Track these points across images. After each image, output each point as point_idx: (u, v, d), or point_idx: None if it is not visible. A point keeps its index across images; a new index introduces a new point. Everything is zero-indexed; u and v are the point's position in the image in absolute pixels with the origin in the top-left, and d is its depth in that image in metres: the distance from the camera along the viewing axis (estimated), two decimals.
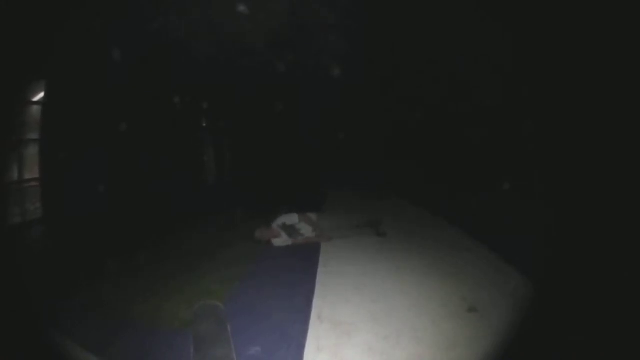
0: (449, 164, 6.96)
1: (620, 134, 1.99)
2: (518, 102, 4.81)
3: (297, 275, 2.59)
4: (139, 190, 4.80)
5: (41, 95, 3.82)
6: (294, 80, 6.73)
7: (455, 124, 6.68)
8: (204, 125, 7.41)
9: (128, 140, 4.67)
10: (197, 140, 7.36)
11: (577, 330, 1.44)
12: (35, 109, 3.85)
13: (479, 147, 6.04)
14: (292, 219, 3.39)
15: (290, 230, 3.34)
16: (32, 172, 3.76)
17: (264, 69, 6.03)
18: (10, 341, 1.48)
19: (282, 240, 3.34)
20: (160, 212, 4.77)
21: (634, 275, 1.53)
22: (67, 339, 1.79)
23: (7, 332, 1.51)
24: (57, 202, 3.76)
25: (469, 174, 6.34)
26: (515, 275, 2.43)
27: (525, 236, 3.26)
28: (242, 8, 4.47)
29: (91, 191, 4.00)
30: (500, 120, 5.48)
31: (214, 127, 7.67)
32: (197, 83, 6.06)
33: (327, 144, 9.96)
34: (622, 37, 1.80)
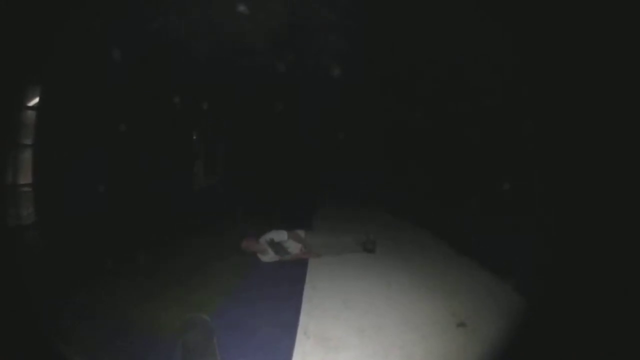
0: (449, 163, 6.96)
1: (621, 134, 1.99)
2: (518, 102, 4.81)
3: (284, 289, 2.58)
4: (139, 191, 4.79)
5: (41, 95, 3.82)
6: (294, 80, 6.73)
7: (455, 124, 6.67)
8: (204, 125, 7.40)
9: (128, 140, 4.67)
10: (197, 140, 7.36)
11: (577, 336, 1.44)
12: (37, 109, 3.85)
13: (479, 147, 6.03)
14: (280, 235, 3.35)
15: (277, 247, 3.30)
16: (33, 173, 3.75)
17: (264, 69, 6.02)
18: (10, 341, 1.48)
19: (269, 257, 3.30)
20: (160, 213, 4.77)
21: (634, 277, 1.52)
22: (65, 340, 1.80)
23: (7, 332, 1.51)
24: (57, 202, 3.75)
25: (469, 174, 6.34)
26: (506, 289, 2.43)
27: (525, 238, 3.27)
28: (242, 8, 4.47)
29: (91, 191, 4.00)
30: (500, 120, 5.48)
31: (214, 127, 7.67)
32: (197, 83, 6.06)
33: (327, 144, 9.96)
34: (622, 37, 1.80)
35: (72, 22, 3.42)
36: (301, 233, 3.44)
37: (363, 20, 5.16)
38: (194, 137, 7.34)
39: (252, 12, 4.54)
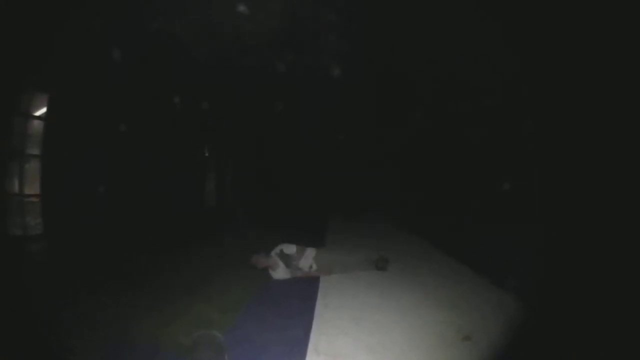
0: (448, 165, 6.97)
1: (620, 134, 1.99)
2: (518, 102, 4.82)
3: (296, 306, 2.59)
4: (139, 192, 4.79)
5: (42, 95, 3.82)
6: (294, 80, 6.74)
7: (454, 124, 6.68)
8: (204, 126, 7.39)
9: (128, 140, 4.67)
10: (197, 140, 7.34)
11: (576, 337, 1.44)
12: (38, 109, 3.85)
13: (479, 147, 6.04)
14: (289, 249, 3.30)
15: (287, 260, 3.24)
16: (35, 182, 3.72)
17: (264, 69, 6.03)
18: (10, 341, 1.49)
19: (280, 273, 3.25)
20: (166, 219, 4.74)
21: (634, 278, 1.53)
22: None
23: (7, 332, 1.51)
24: (61, 210, 3.74)
25: (469, 174, 6.34)
26: (509, 301, 2.45)
27: (525, 242, 3.28)
28: (242, 8, 4.48)
29: (92, 193, 4.00)
30: (500, 120, 5.49)
31: (214, 127, 7.65)
32: (197, 83, 6.06)
33: (327, 144, 9.98)
34: (622, 38, 1.80)
35: (72, 22, 3.43)
36: (312, 251, 3.37)
37: (363, 20, 5.16)
38: (199, 137, 7.28)
39: (252, 12, 4.54)
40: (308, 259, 3.30)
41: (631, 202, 1.79)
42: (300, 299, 2.75)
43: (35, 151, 3.81)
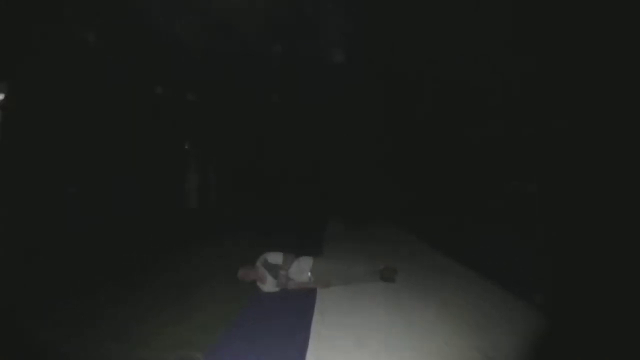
0: (449, 164, 6.97)
1: (620, 134, 1.99)
2: (518, 102, 4.82)
3: (289, 323, 2.31)
4: (137, 191, 4.79)
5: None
6: (294, 79, 6.74)
7: (455, 124, 6.68)
8: (203, 126, 7.37)
9: (128, 139, 4.67)
10: (196, 140, 7.34)
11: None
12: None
13: (479, 147, 6.04)
14: (276, 258, 2.95)
15: (275, 271, 2.90)
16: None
17: (263, 68, 6.04)
18: (10, 341, 1.48)
19: (270, 286, 2.89)
20: (160, 214, 4.72)
21: (634, 278, 1.52)
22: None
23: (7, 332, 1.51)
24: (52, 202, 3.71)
25: (469, 174, 6.34)
26: (530, 317, 2.18)
27: (527, 237, 3.21)
28: (242, 8, 4.48)
29: (89, 193, 3.99)
30: (500, 120, 5.49)
31: (213, 126, 7.65)
32: (196, 82, 6.06)
33: (328, 144, 9.98)
34: (622, 39, 1.80)
35: (73, 22, 3.42)
36: (309, 260, 3.04)
37: (363, 20, 5.17)
38: (204, 154, 7.14)
39: (253, 12, 4.55)
40: (304, 270, 2.98)
41: (631, 202, 1.79)
42: (294, 315, 2.48)
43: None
